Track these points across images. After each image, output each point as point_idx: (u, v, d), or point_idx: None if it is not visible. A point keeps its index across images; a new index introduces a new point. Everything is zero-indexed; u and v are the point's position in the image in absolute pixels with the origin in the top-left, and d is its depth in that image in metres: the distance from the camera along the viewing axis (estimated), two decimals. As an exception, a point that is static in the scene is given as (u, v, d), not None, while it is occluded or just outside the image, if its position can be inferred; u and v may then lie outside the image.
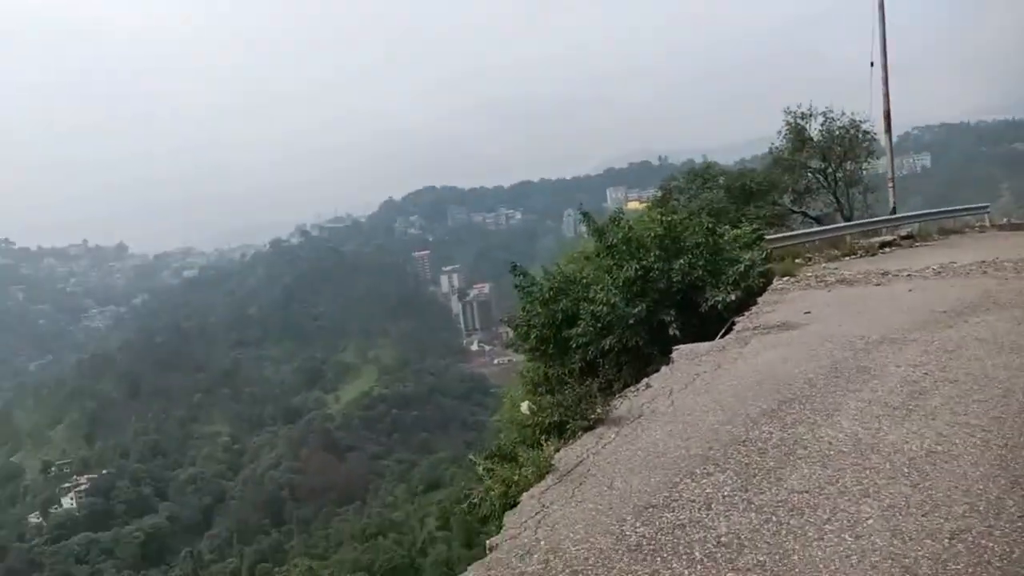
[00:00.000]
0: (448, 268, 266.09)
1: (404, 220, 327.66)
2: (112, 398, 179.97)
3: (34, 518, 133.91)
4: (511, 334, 18.90)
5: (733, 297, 16.49)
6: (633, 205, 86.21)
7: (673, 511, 7.17)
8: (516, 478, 9.28)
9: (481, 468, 10.81)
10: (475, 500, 10.47)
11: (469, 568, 6.90)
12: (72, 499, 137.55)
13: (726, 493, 7.38)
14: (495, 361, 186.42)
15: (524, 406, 11.77)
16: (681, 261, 16.74)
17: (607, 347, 15.77)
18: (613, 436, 9.62)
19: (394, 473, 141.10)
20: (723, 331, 15.88)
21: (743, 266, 17.28)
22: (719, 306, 16.28)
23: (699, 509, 7.13)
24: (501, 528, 7.73)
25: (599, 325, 15.83)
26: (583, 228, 21.74)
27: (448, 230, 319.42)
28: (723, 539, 6.51)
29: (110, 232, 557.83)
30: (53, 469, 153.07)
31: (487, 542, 7.56)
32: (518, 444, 11.34)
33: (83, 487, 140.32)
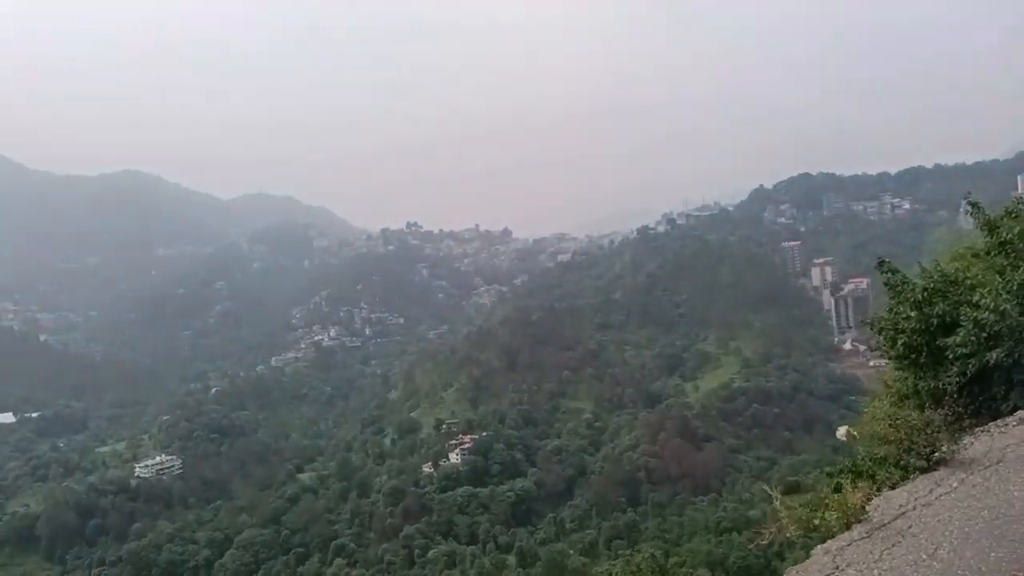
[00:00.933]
0: (820, 260, 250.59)
1: (774, 209, 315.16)
2: (493, 368, 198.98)
3: (427, 468, 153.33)
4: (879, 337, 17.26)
5: None
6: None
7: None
8: (816, 522, 7.96)
9: (777, 502, 9.58)
10: (763, 541, 9.31)
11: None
12: (458, 455, 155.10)
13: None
14: (871, 363, 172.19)
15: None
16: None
17: (992, 361, 13.77)
18: (955, 484, 7.70)
19: (752, 469, 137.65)
20: None
21: None
22: None
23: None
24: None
25: (984, 335, 13.86)
26: (972, 221, 18.93)
27: (822, 220, 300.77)
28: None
29: (497, 217, 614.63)
30: (444, 427, 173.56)
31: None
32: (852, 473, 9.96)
33: (467, 446, 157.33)
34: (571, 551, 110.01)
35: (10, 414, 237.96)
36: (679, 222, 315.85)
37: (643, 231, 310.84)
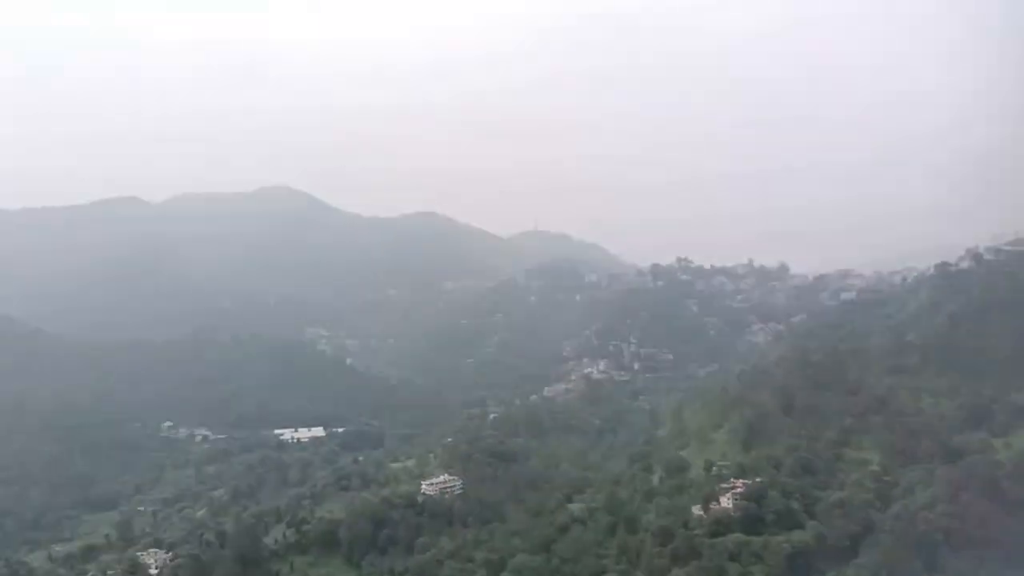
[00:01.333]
0: None
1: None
2: (767, 410, 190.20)
3: (696, 509, 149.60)
4: None
5: None
6: None
7: None
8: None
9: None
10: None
11: None
12: (729, 499, 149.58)
13: None
14: None
15: None
16: None
17: None
18: None
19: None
20: None
21: None
22: None
23: None
24: None
25: None
26: None
27: None
28: None
29: (773, 252, 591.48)
30: (714, 468, 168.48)
31: None
32: None
33: (738, 490, 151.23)
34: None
35: (321, 428, 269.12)
36: (987, 257, 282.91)
37: (942, 267, 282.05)
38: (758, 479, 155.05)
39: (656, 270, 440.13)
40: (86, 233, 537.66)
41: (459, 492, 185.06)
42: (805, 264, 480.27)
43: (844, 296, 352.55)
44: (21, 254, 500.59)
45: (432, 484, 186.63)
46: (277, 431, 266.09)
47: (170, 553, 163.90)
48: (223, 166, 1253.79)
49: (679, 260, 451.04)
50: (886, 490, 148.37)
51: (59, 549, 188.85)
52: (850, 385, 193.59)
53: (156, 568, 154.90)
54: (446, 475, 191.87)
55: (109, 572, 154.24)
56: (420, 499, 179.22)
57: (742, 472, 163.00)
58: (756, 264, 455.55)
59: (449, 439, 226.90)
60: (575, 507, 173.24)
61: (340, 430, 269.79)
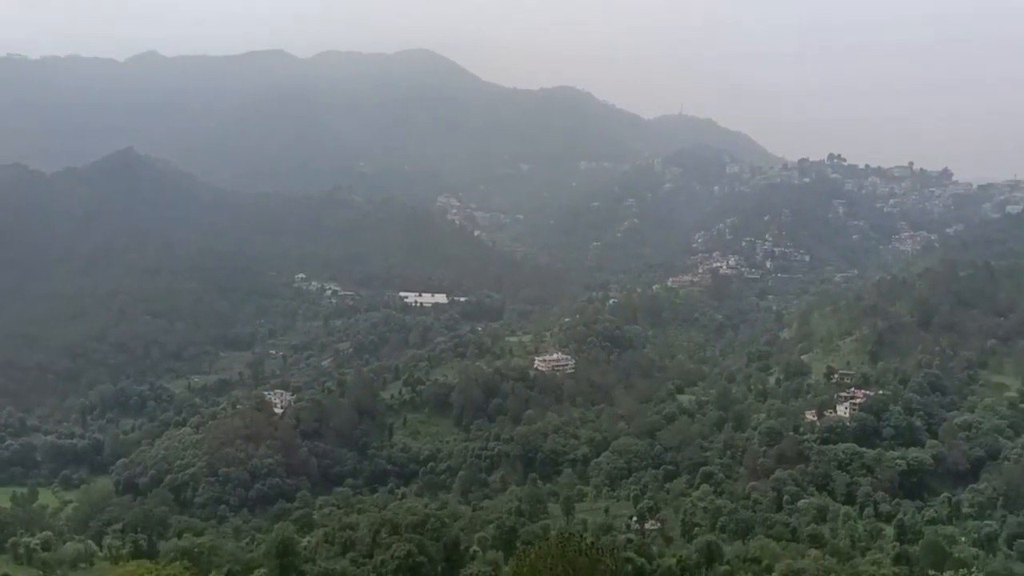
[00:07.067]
0: None
1: None
2: (903, 322, 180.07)
3: (810, 415, 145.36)
4: None
5: None
6: None
7: None
8: None
9: None
10: None
11: None
12: (846, 409, 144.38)
13: None
14: None
15: None
16: None
17: None
18: None
19: None
20: None
21: None
22: None
23: None
24: None
25: None
26: None
27: None
28: None
29: (936, 157, 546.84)
30: (835, 376, 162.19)
31: None
32: None
33: (858, 401, 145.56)
34: (963, 539, 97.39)
35: (444, 295, 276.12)
36: None
37: None
38: (881, 392, 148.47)
39: (804, 165, 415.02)
40: (236, 83, 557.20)
41: (570, 371, 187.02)
42: (972, 172, 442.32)
43: (1009, 209, 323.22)
44: (176, 101, 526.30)
45: (545, 361, 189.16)
46: (402, 293, 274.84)
47: (295, 395, 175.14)
48: (366, 25, 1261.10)
49: (830, 156, 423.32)
50: (1020, 419, 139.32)
51: (197, 380, 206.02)
52: (999, 305, 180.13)
53: (281, 407, 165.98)
54: (560, 353, 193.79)
55: (239, 406, 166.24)
56: (532, 374, 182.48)
57: (865, 383, 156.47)
58: (916, 167, 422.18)
59: (567, 319, 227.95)
60: (685, 398, 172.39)
61: (462, 299, 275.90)
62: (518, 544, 78.89)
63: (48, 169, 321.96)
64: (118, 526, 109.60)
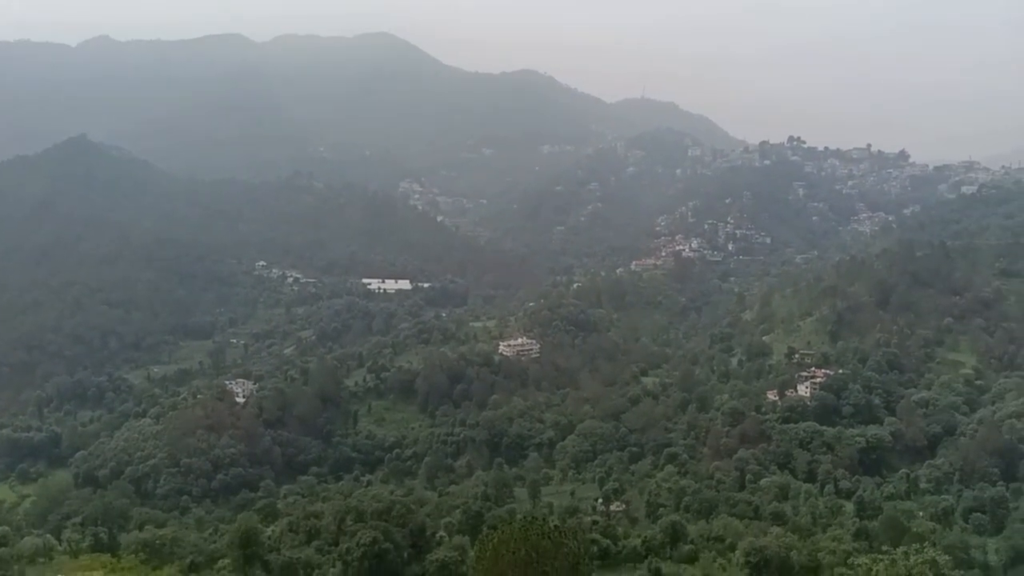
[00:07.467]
0: None
1: None
2: (862, 302, 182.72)
3: (772, 395, 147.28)
4: None
5: None
6: None
7: None
8: None
9: None
10: None
11: None
12: (807, 388, 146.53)
13: None
14: None
15: None
16: None
17: None
18: None
19: None
20: None
21: None
22: None
23: None
24: None
25: None
26: None
27: None
28: None
29: (893, 138, 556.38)
30: (796, 356, 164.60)
31: None
32: None
33: (818, 380, 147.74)
34: (920, 513, 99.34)
35: (407, 281, 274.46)
36: None
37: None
38: (840, 371, 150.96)
39: (764, 148, 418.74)
40: (192, 68, 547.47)
41: (535, 356, 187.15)
42: (928, 154, 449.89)
43: (965, 190, 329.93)
44: (130, 87, 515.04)
45: (510, 345, 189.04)
46: (365, 280, 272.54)
47: (257, 384, 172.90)
48: (324, 8, 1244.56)
49: (790, 139, 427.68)
50: (975, 395, 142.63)
51: (157, 370, 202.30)
52: (955, 284, 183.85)
53: (243, 396, 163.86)
54: (524, 338, 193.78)
55: (199, 395, 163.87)
56: (497, 359, 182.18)
57: (825, 362, 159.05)
58: (874, 149, 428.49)
59: (531, 304, 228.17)
60: (649, 381, 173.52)
61: (426, 285, 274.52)
62: (484, 529, 78.71)
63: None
64: (78, 519, 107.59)
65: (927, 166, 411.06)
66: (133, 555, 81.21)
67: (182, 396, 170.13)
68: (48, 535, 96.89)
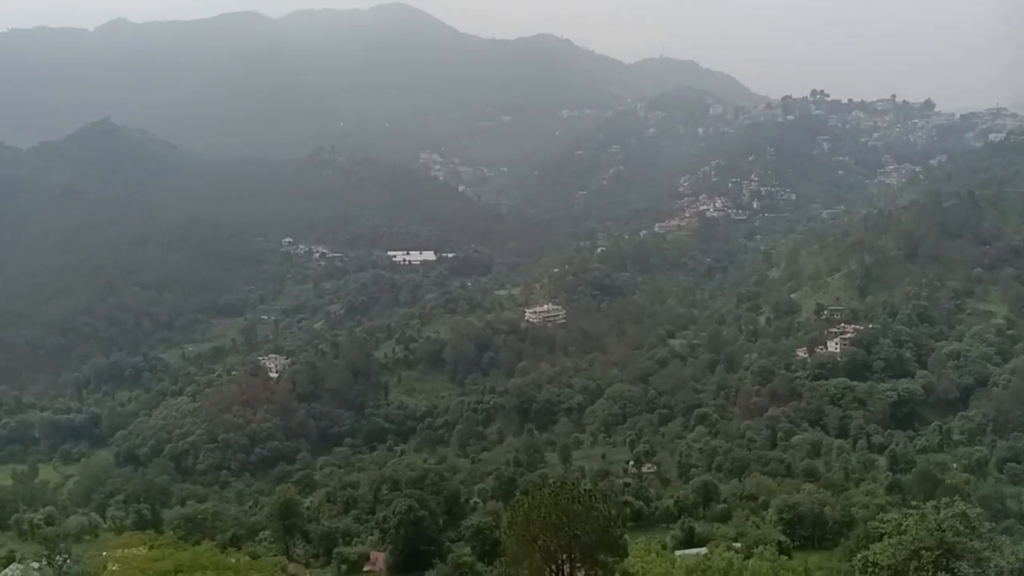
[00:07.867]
0: None
1: None
2: (890, 256, 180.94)
3: (801, 352, 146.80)
4: None
5: None
6: None
7: None
8: None
9: None
10: None
11: None
12: (837, 344, 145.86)
13: None
14: None
15: None
16: None
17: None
18: None
19: None
20: None
21: None
22: None
23: None
24: None
25: None
26: None
27: None
28: None
29: (919, 87, 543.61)
30: (825, 313, 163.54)
31: None
32: None
33: (848, 336, 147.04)
34: (954, 465, 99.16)
35: (431, 252, 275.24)
36: None
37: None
38: (871, 325, 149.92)
39: (787, 103, 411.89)
40: (209, 47, 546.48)
41: (562, 322, 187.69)
42: (955, 102, 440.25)
43: (992, 137, 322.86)
44: (149, 68, 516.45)
45: (536, 312, 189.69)
46: (390, 252, 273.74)
47: (289, 359, 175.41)
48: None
49: (813, 93, 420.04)
50: (1007, 344, 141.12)
51: (191, 349, 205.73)
52: (984, 233, 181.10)
53: (276, 372, 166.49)
54: (550, 304, 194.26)
55: (234, 372, 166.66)
56: (523, 326, 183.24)
57: (854, 317, 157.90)
58: (899, 100, 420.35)
59: (556, 270, 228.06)
60: (676, 342, 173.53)
61: (450, 255, 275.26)
62: (517, 494, 79.92)
63: (23, 145, 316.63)
64: (120, 497, 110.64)
65: (953, 115, 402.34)
66: (172, 532, 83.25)
67: (217, 373, 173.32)
68: (93, 513, 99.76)
